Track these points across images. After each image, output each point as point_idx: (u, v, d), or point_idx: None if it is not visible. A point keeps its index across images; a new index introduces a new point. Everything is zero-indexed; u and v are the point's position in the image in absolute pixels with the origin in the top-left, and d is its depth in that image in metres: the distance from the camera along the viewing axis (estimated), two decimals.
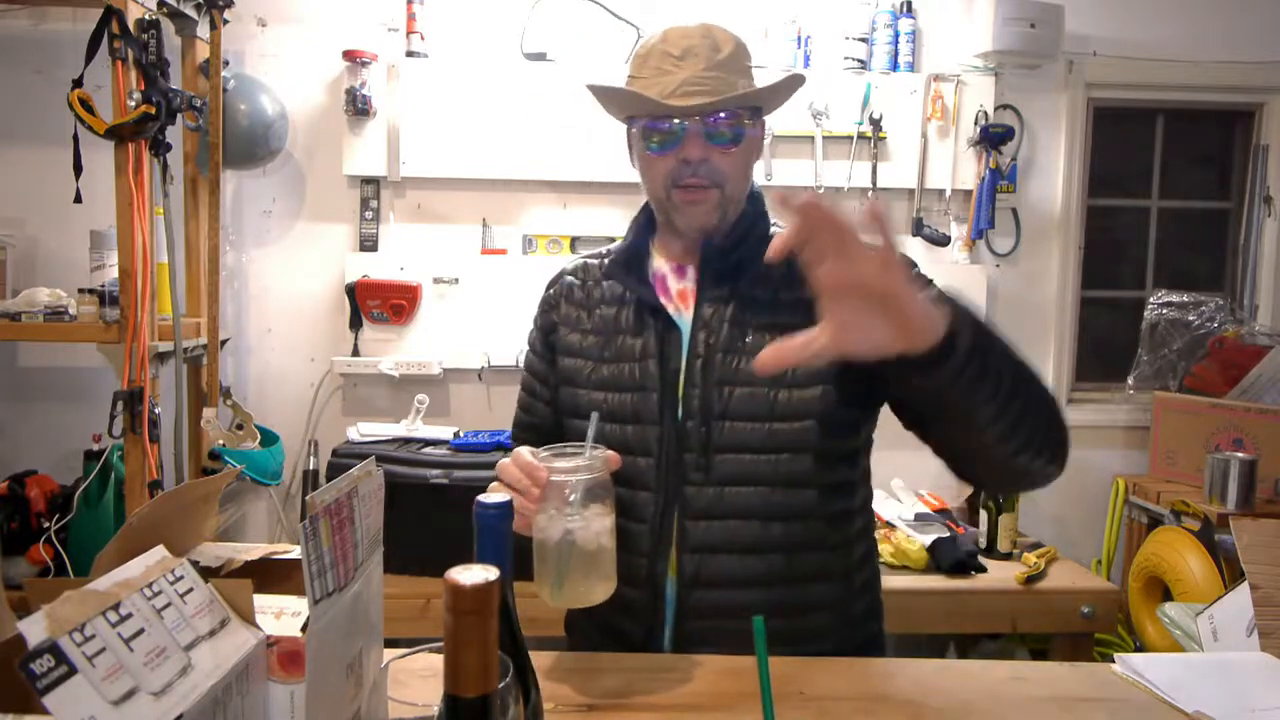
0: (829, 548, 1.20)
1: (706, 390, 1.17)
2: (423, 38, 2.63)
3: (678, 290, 1.24)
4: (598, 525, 0.97)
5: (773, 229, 1.26)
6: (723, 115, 1.14)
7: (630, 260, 1.27)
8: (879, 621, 1.30)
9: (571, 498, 0.96)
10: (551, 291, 1.36)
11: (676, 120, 1.14)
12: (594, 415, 1.08)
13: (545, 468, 0.97)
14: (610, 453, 1.00)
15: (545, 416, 1.33)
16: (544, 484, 0.96)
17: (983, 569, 2.31)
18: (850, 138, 2.72)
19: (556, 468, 0.97)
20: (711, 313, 1.19)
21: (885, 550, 2.30)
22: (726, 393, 1.16)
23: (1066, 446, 1.03)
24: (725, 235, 1.22)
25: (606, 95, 1.20)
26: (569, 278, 1.34)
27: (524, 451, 1.00)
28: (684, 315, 1.22)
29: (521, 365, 2.83)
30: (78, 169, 2.15)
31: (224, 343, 2.60)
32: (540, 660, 1.07)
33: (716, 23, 1.21)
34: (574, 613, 1.29)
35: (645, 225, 1.30)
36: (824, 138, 2.71)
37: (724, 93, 1.12)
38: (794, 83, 1.21)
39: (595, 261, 1.34)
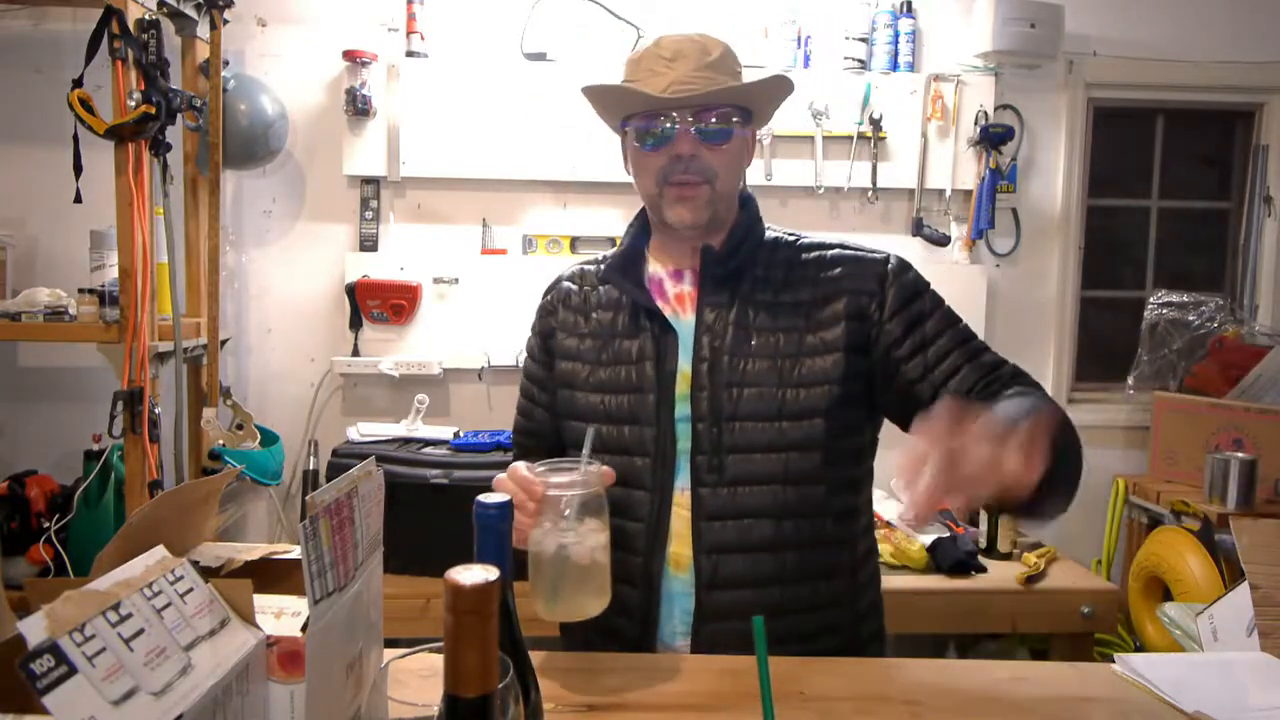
0: (837, 544, 1.22)
1: (715, 392, 1.18)
2: (423, 38, 2.63)
3: (675, 294, 1.26)
4: (592, 541, 0.97)
5: (769, 232, 1.28)
6: (713, 113, 1.17)
7: (626, 264, 1.28)
8: (880, 617, 1.31)
9: (567, 513, 0.96)
10: (549, 298, 1.38)
11: (667, 120, 1.17)
12: (590, 429, 1.10)
13: (541, 482, 0.98)
14: (605, 468, 1.02)
15: (543, 421, 1.35)
16: (540, 498, 0.97)
17: (983, 569, 2.31)
18: (850, 138, 2.72)
19: (552, 482, 0.97)
20: (714, 317, 1.21)
21: (885, 550, 2.30)
22: (735, 394, 1.17)
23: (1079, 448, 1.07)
24: (723, 242, 1.23)
25: (599, 95, 1.23)
26: (566, 284, 1.36)
27: (520, 466, 1.01)
28: (682, 319, 1.24)
29: (520, 364, 2.84)
30: (78, 169, 2.15)
31: (224, 343, 2.60)
32: (540, 660, 1.07)
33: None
34: None
35: (641, 230, 1.32)
36: (824, 138, 2.71)
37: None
38: (781, 83, 1.22)
39: (592, 268, 1.36)
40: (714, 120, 1.17)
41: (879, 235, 2.77)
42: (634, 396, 1.21)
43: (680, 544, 1.19)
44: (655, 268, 1.29)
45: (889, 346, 1.18)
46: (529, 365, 1.38)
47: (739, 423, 1.17)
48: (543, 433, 1.36)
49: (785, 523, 1.17)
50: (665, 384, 1.20)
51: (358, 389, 2.76)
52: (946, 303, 1.23)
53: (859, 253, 1.25)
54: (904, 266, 1.24)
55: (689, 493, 1.18)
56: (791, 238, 1.28)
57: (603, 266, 1.33)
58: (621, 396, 1.22)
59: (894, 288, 1.20)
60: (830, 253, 1.25)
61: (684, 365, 1.21)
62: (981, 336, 1.24)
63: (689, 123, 1.17)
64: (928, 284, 1.24)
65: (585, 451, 1.05)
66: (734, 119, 1.19)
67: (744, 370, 1.18)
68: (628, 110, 1.21)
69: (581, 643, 1.22)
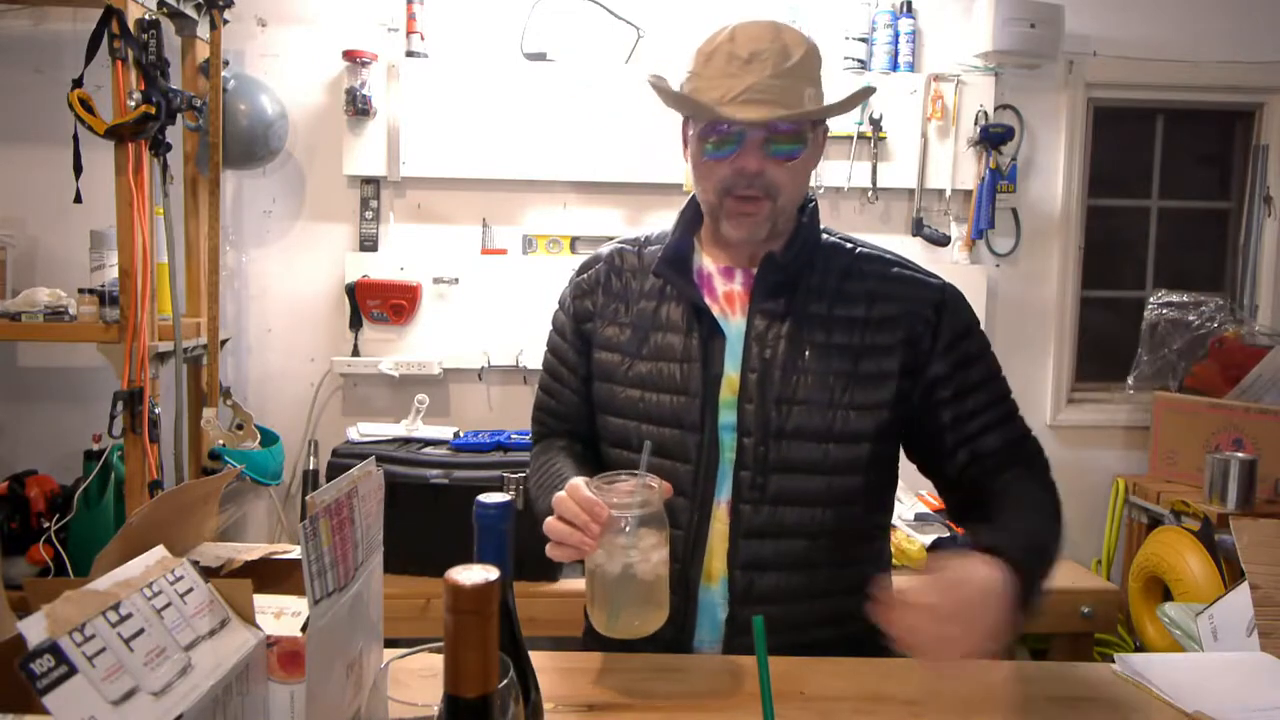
0: (868, 560, 1.22)
1: (764, 407, 1.14)
2: (423, 38, 2.63)
3: (724, 293, 1.21)
4: (655, 557, 0.97)
5: (824, 237, 1.23)
6: (785, 126, 1.10)
7: (677, 257, 1.23)
8: None
9: (628, 529, 0.95)
10: (586, 276, 1.30)
11: (735, 131, 1.10)
12: (646, 444, 1.06)
13: (605, 504, 0.95)
14: (664, 483, 0.99)
15: (570, 404, 1.30)
16: (604, 521, 0.95)
17: None
18: (850, 138, 2.72)
19: (615, 503, 0.96)
20: (766, 326, 1.16)
21: None
22: (785, 411, 1.14)
23: None
24: (784, 247, 1.18)
25: (666, 95, 1.17)
26: (604, 265, 1.29)
27: (581, 485, 0.98)
28: (730, 320, 1.19)
29: (521, 364, 2.83)
30: (78, 169, 2.15)
31: (224, 343, 2.60)
32: (540, 660, 1.07)
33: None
34: None
35: (692, 221, 1.26)
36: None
37: (790, 104, 1.08)
38: (864, 95, 1.19)
39: (631, 250, 1.29)
40: (786, 135, 1.11)
41: (879, 235, 2.77)
42: (678, 399, 1.17)
43: (715, 557, 1.16)
44: (705, 262, 1.24)
45: (933, 382, 1.16)
46: (557, 343, 1.32)
47: (786, 441, 1.14)
48: (568, 415, 1.31)
49: (821, 541, 1.15)
50: (711, 388, 1.16)
51: (358, 389, 2.76)
52: (990, 347, 1.22)
53: (917, 274, 1.21)
54: (959, 298, 1.21)
55: (728, 506, 1.15)
56: (849, 245, 1.24)
57: (643, 251, 1.27)
58: (663, 396, 1.18)
59: (948, 319, 1.17)
60: (890, 270, 1.20)
61: (730, 371, 1.17)
62: None
63: (759, 135, 1.10)
64: (978, 321, 1.22)
65: (643, 467, 1.02)
66: (808, 133, 1.13)
67: (795, 387, 1.14)
68: (693, 112, 1.15)
69: (616, 646, 1.21)
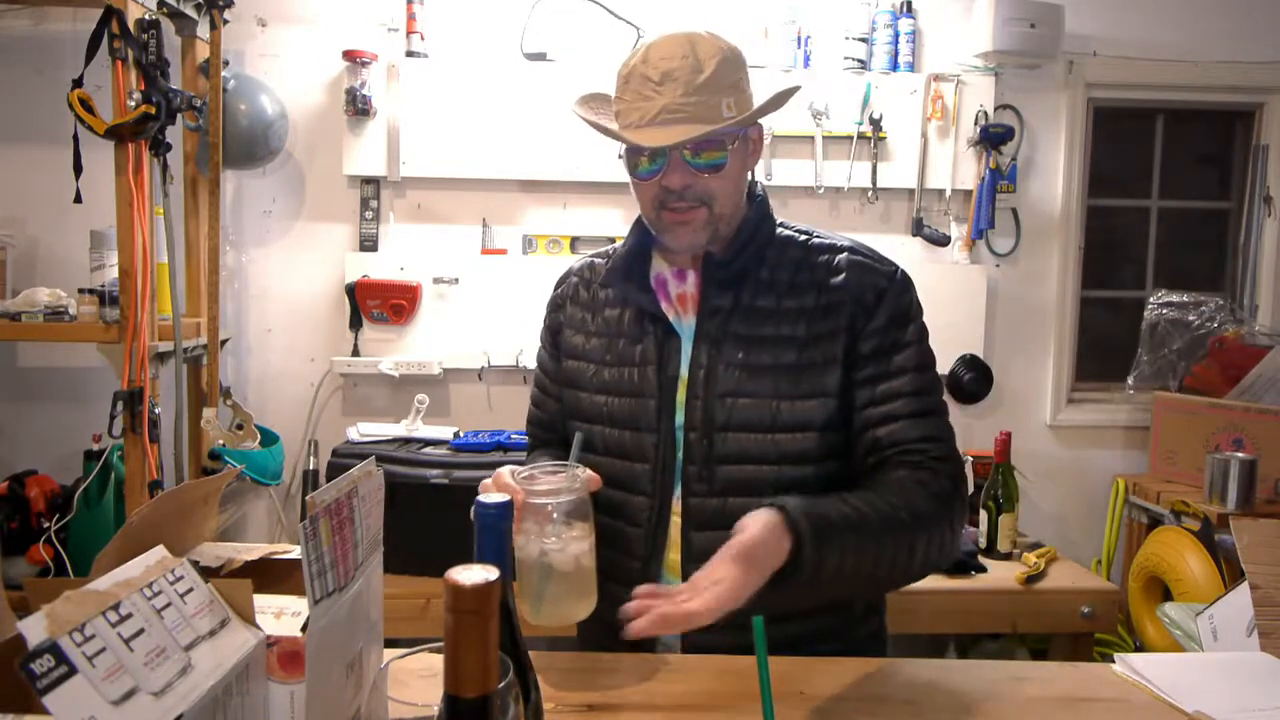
0: None
1: (709, 402, 1.17)
2: (423, 38, 2.63)
3: (677, 294, 1.25)
4: (575, 547, 0.98)
5: (779, 230, 1.25)
6: (703, 145, 1.12)
7: (630, 266, 1.26)
8: (880, 616, 1.31)
9: (554, 516, 0.97)
10: (559, 291, 1.37)
11: (656, 152, 1.13)
12: (578, 436, 1.10)
13: (522, 490, 0.97)
14: (591, 473, 1.01)
15: (555, 413, 1.35)
16: (520, 507, 0.97)
17: (983, 569, 2.31)
18: (850, 138, 2.72)
19: (536, 490, 0.98)
20: (714, 323, 1.19)
21: None
22: (729, 404, 1.16)
23: (938, 568, 1.16)
24: (728, 245, 1.21)
25: (588, 123, 1.21)
26: (574, 278, 1.36)
27: (504, 473, 1.01)
28: (684, 321, 1.23)
29: (521, 364, 2.84)
30: (78, 169, 2.15)
31: (224, 343, 2.60)
32: (540, 660, 1.07)
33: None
34: None
35: (646, 228, 1.29)
36: (824, 138, 2.70)
37: (706, 118, 1.10)
38: (783, 98, 1.19)
39: (601, 261, 1.35)
40: (707, 150, 1.13)
41: (879, 235, 2.77)
42: (636, 401, 1.21)
43: (674, 550, 1.19)
44: (660, 266, 1.27)
45: (857, 360, 1.17)
46: (542, 355, 1.38)
47: (730, 433, 1.16)
48: (555, 424, 1.35)
49: None
50: (667, 389, 1.20)
51: (358, 389, 2.76)
52: (928, 341, 1.21)
53: (868, 260, 1.21)
54: (905, 287, 1.21)
55: (682, 501, 1.18)
56: (803, 237, 1.25)
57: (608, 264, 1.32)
58: (625, 400, 1.22)
59: (887, 304, 1.18)
60: (839, 258, 1.21)
61: (684, 371, 1.20)
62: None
63: (680, 153, 1.13)
64: (920, 312, 1.22)
65: (573, 457, 1.05)
66: (729, 145, 1.14)
67: (739, 380, 1.16)
68: (613, 138, 1.18)
69: (595, 642, 1.21)
